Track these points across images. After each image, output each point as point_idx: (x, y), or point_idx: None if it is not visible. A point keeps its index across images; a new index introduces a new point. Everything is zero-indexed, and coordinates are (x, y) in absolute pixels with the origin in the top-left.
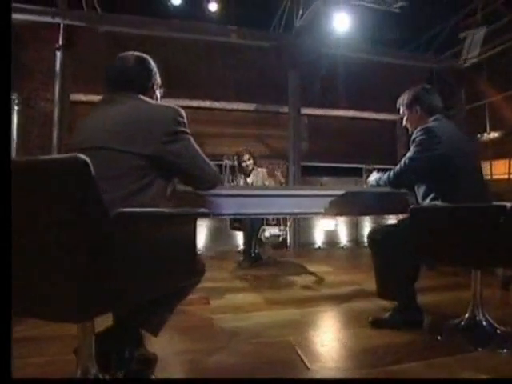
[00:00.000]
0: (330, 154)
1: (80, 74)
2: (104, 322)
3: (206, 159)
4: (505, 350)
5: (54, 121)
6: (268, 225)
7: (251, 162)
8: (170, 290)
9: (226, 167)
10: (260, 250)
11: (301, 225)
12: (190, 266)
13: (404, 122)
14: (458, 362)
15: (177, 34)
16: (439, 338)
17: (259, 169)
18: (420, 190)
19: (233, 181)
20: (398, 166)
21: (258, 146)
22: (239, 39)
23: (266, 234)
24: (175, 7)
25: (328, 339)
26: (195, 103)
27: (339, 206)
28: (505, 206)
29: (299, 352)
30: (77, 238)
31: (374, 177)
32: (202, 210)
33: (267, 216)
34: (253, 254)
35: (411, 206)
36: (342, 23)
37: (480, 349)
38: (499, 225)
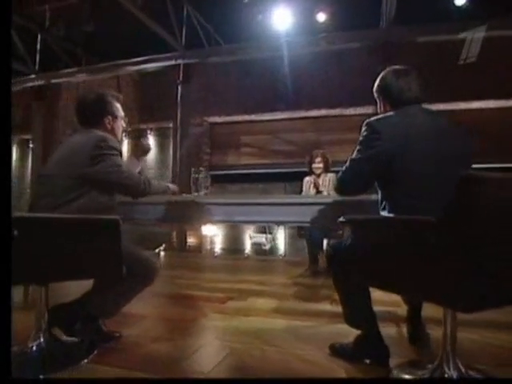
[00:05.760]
0: None
1: (213, 101)
2: None
3: (130, 174)
4: None
5: (173, 140)
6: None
7: (321, 165)
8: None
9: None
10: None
11: None
12: (115, 268)
13: None
14: None
15: (279, 52)
16: None
17: (329, 174)
18: (378, 198)
19: (197, 191)
20: (341, 170)
21: None
22: (329, 45)
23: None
24: (279, 31)
25: (258, 357)
26: (313, 113)
27: (327, 216)
28: (429, 221)
29: (214, 362)
30: None
31: None
32: (109, 217)
33: (256, 224)
34: (317, 263)
35: (340, 218)
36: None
37: None
38: (427, 245)
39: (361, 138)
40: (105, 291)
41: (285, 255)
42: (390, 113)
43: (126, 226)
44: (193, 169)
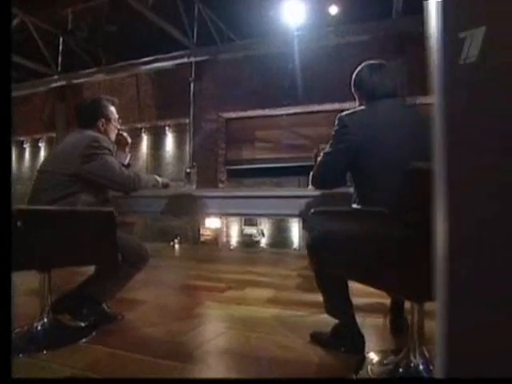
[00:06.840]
0: None
1: (227, 97)
2: None
3: (121, 172)
4: None
5: (190, 136)
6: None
7: None
8: (88, 264)
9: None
10: None
11: None
12: (111, 255)
13: None
14: None
15: (291, 47)
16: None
17: None
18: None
19: (189, 184)
20: (315, 164)
21: None
22: (341, 38)
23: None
24: (290, 25)
25: (233, 343)
26: (326, 107)
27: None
28: (381, 212)
29: (198, 346)
30: None
31: None
32: (106, 209)
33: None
34: None
35: (312, 210)
36: None
37: None
38: (381, 235)
39: (333, 133)
40: (103, 277)
41: (299, 248)
42: (362, 107)
43: (147, 221)
44: (188, 164)
